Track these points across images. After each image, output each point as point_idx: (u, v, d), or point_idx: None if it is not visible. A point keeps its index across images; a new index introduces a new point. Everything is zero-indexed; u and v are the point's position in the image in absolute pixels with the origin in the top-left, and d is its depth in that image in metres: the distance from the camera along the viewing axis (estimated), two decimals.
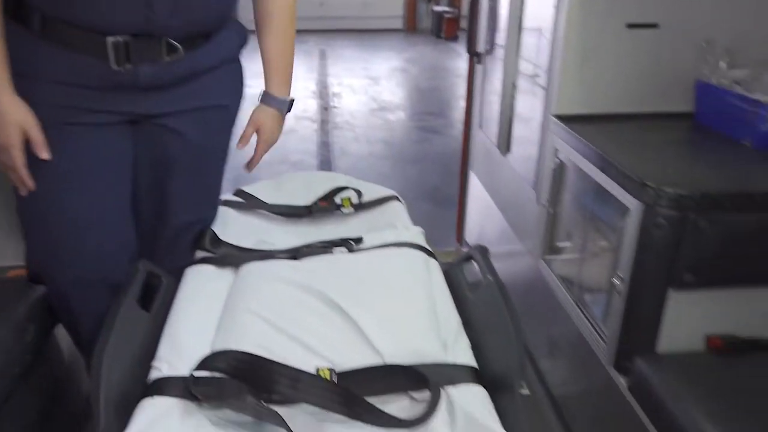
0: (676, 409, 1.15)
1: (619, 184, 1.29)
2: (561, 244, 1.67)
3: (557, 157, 1.61)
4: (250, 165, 1.48)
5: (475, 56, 2.34)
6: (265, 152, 1.47)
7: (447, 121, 6.08)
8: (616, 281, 1.30)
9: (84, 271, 1.29)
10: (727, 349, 1.25)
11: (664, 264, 1.20)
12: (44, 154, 1.18)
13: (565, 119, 1.59)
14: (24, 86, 1.16)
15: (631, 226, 1.23)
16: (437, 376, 1.01)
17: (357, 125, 5.74)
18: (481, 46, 2.26)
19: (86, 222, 1.27)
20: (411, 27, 11.18)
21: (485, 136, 2.26)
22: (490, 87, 2.20)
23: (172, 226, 1.40)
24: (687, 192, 1.16)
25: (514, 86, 1.96)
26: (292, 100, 1.49)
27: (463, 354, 1.09)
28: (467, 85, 2.48)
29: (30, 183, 1.20)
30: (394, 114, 6.22)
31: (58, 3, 1.12)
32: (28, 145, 1.18)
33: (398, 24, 11.23)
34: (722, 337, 1.26)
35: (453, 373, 1.03)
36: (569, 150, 1.54)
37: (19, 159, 1.17)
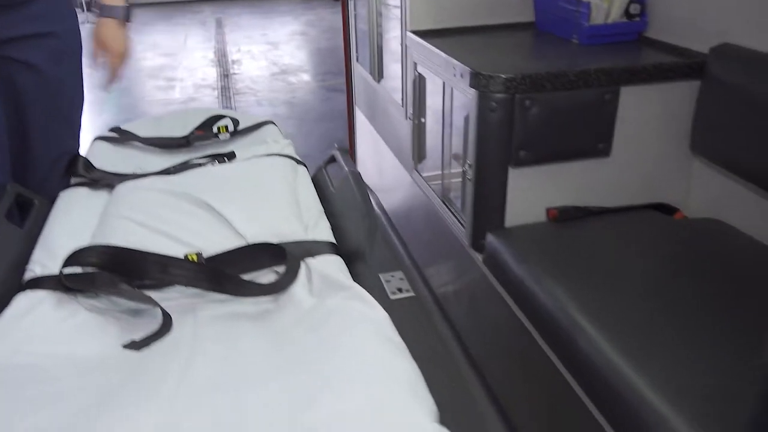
0: (521, 270, 1.30)
1: (462, 79, 1.42)
2: (429, 154, 1.81)
3: (416, 71, 1.73)
4: (108, 83, 1.54)
5: None
6: (120, 65, 1.52)
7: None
8: (467, 169, 1.44)
9: None
10: (564, 218, 1.42)
11: (501, 144, 1.35)
12: None
13: (419, 34, 1.71)
14: None
15: (471, 114, 1.37)
16: (297, 251, 1.11)
17: (259, 90, 5.71)
18: None
19: None
20: None
21: (362, 68, 2.36)
22: (362, 23, 2.30)
23: (37, 160, 1.43)
24: (513, 75, 1.30)
25: (379, 14, 2.06)
26: (128, 6, 1.53)
27: (322, 233, 1.20)
28: (342, 24, 2.57)
29: None
30: (296, 76, 6.22)
31: None
32: None
33: None
34: (558, 208, 1.43)
35: (312, 247, 1.14)
36: (424, 61, 1.66)
37: None
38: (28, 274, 1.07)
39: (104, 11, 1.48)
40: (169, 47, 7.33)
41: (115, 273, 1.04)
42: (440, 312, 1.84)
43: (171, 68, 6.40)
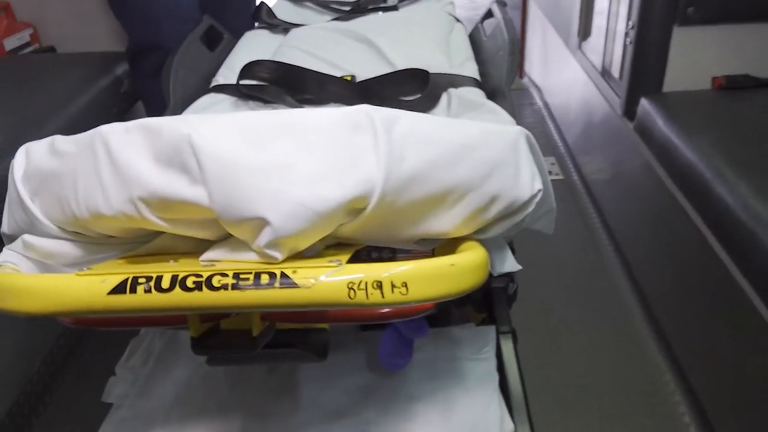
0: (677, 138, 1.24)
1: None
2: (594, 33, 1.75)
3: None
4: None
5: None
6: None
7: None
8: (629, 30, 1.38)
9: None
10: (731, 86, 1.32)
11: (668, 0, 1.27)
12: None
13: None
14: None
15: None
16: (441, 81, 1.17)
17: None
18: None
19: None
20: None
21: None
22: None
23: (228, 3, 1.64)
24: None
25: None
26: None
27: (468, 71, 1.24)
28: None
29: None
30: None
31: None
32: None
33: None
34: (726, 76, 1.33)
35: (455, 79, 1.19)
36: None
37: None
38: (213, 83, 1.25)
39: None
40: None
41: (281, 87, 1.19)
42: (588, 197, 1.82)
43: None
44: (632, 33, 1.36)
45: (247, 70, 1.21)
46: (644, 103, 1.35)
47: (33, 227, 0.58)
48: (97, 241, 0.58)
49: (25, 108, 1.38)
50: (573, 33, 1.87)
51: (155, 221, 0.53)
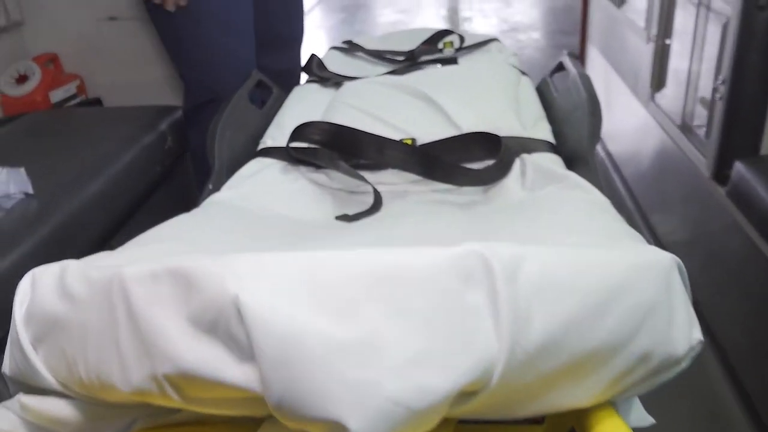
0: None
1: None
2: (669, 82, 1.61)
3: None
4: None
5: None
6: None
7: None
8: (718, 86, 1.24)
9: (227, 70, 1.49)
10: None
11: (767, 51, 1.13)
12: None
13: None
14: None
15: (733, 16, 1.17)
16: (513, 145, 1.05)
17: None
18: None
19: (244, 35, 1.49)
20: None
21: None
22: None
23: (278, 54, 1.57)
24: None
25: None
26: None
27: (542, 133, 1.12)
28: None
29: None
30: (526, 34, 6.03)
31: None
32: None
33: None
34: None
35: (528, 144, 1.06)
36: None
37: None
38: (261, 145, 1.16)
39: None
40: (405, 5, 7.55)
41: (334, 150, 1.08)
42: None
43: (404, 24, 6.59)
44: (723, 89, 1.22)
45: (298, 133, 1.11)
46: (740, 167, 1.19)
47: (34, 378, 0.46)
48: (109, 407, 0.46)
49: (66, 166, 1.32)
50: (643, 82, 1.73)
51: (182, 402, 0.41)
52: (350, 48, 1.73)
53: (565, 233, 0.62)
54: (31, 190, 1.15)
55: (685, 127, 1.47)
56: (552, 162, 1.01)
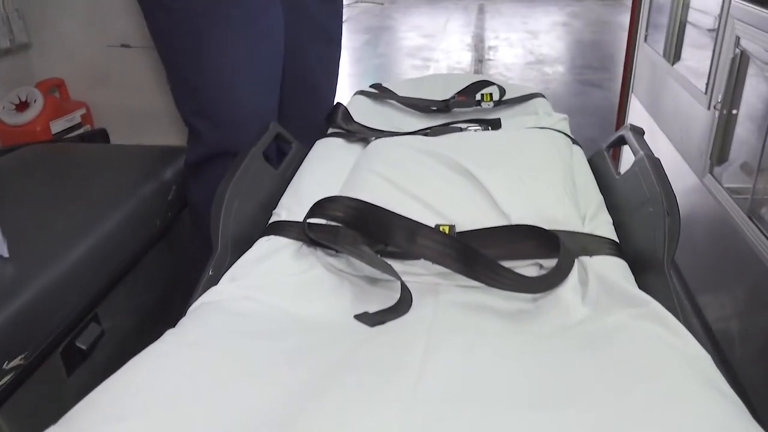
0: None
1: None
2: (734, 155, 1.44)
3: (737, 47, 1.37)
4: None
5: None
6: None
7: (609, 75, 5.68)
8: None
9: (238, 120, 1.32)
10: None
11: None
12: None
13: (751, 1, 1.34)
14: None
15: None
16: (571, 244, 0.88)
17: (511, 77, 5.52)
18: None
19: (264, 83, 1.32)
20: None
21: (651, 48, 2.01)
22: None
23: (303, 102, 1.41)
24: None
25: None
26: None
27: (602, 228, 0.95)
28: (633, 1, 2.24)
29: None
30: (552, 67, 5.90)
31: None
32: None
33: None
34: None
35: (589, 243, 0.90)
36: (756, 34, 1.29)
37: None
38: (274, 217, 1.01)
39: None
40: (430, 29, 7.47)
41: (358, 231, 0.92)
42: (713, 347, 1.47)
43: (429, 49, 6.49)
44: None
45: (317, 208, 0.95)
46: None
47: None
48: None
49: (53, 219, 1.17)
50: (700, 151, 1.57)
51: None
52: (379, 93, 1.58)
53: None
54: (5, 253, 1.00)
55: (755, 215, 1.30)
56: (618, 270, 0.84)
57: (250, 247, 0.93)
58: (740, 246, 1.31)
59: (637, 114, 2.24)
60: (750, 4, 1.32)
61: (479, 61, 6.10)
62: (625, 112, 2.33)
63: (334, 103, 1.47)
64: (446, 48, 6.60)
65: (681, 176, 1.70)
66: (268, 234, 0.95)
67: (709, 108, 1.52)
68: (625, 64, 2.32)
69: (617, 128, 2.46)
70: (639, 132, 1.09)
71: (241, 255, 0.91)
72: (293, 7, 1.35)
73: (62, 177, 1.33)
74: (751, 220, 1.29)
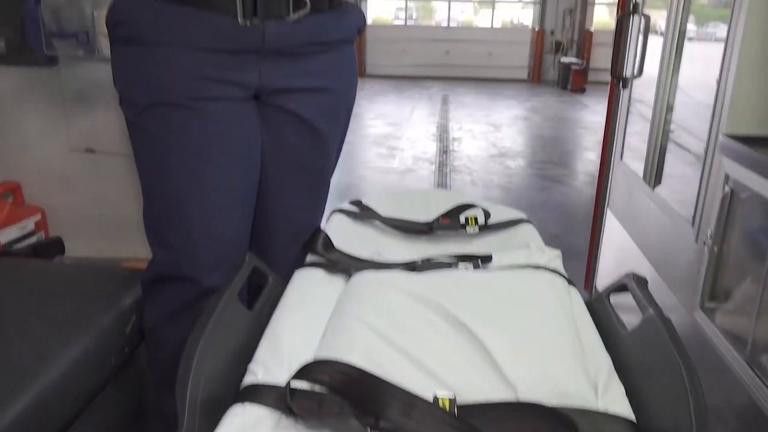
0: None
1: None
2: (726, 292, 1.40)
3: (727, 185, 1.36)
4: None
5: (619, 81, 2.13)
6: None
7: (569, 171, 5.85)
8: None
9: (203, 256, 1.21)
10: None
11: None
12: None
13: (739, 140, 1.34)
14: (152, 57, 1.10)
15: None
16: (586, 426, 0.79)
17: (475, 170, 5.62)
18: (628, 70, 2.05)
19: (218, 206, 1.21)
20: (536, 78, 11.01)
21: (628, 168, 2.02)
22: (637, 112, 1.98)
23: (281, 225, 1.31)
24: None
25: (669, 109, 1.73)
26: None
27: (617, 402, 0.87)
28: (607, 112, 2.26)
29: None
30: (514, 161, 6.04)
31: None
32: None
33: (523, 75, 11.11)
34: None
35: (605, 425, 0.81)
36: (747, 175, 1.28)
37: None
38: (249, 378, 0.89)
39: None
40: (395, 117, 7.61)
41: (346, 399, 0.81)
42: None
43: (395, 138, 6.57)
44: None
45: (302, 373, 0.85)
46: None
47: None
48: None
49: None
50: (688, 284, 1.53)
51: None
52: (360, 212, 1.51)
53: None
54: None
55: (755, 362, 1.24)
56: None
57: (221, 409, 0.81)
58: (741, 398, 1.25)
59: (611, 228, 2.22)
60: (739, 143, 1.32)
61: (444, 152, 6.20)
62: (599, 226, 2.31)
63: (317, 220, 1.39)
64: (412, 137, 6.70)
65: (668, 306, 1.65)
66: (243, 400, 0.83)
67: (696, 241, 1.49)
68: (599, 175, 2.33)
69: (591, 240, 2.44)
70: (643, 283, 1.02)
71: (211, 419, 0.79)
72: (273, 134, 1.27)
73: (3, 304, 1.19)
74: (752, 369, 1.23)
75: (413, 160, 5.76)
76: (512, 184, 5.29)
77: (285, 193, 1.33)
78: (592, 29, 10.94)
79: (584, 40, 10.69)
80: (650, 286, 1.80)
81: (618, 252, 2.12)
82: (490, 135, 7.02)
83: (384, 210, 1.53)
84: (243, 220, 1.26)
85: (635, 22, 2.00)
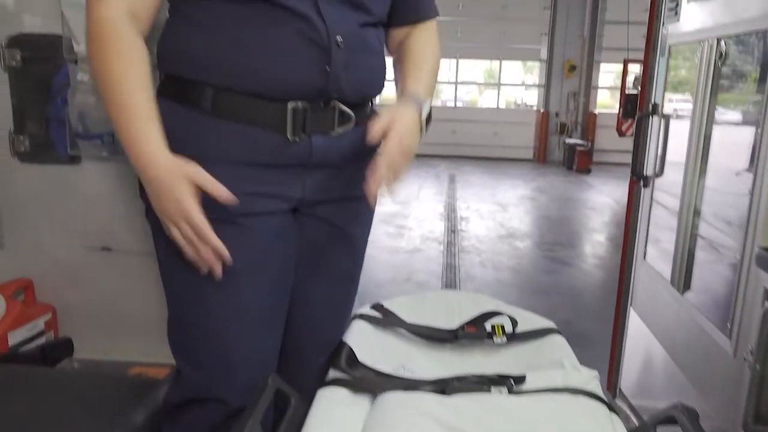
0: None
1: None
2: None
3: (767, 301, 1.31)
4: (372, 183, 1.09)
5: (640, 180, 2.12)
6: (397, 154, 1.09)
7: (576, 252, 5.82)
8: None
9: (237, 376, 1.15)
10: None
11: None
12: (224, 195, 1.01)
13: None
14: None
15: None
16: None
17: (484, 250, 5.58)
18: (649, 169, 2.04)
19: (257, 325, 1.16)
20: (541, 158, 11.16)
21: (652, 268, 1.97)
22: (662, 209, 1.95)
23: (312, 337, 1.26)
24: None
25: (696, 212, 1.70)
26: (430, 114, 1.20)
27: None
28: (627, 211, 2.24)
29: (224, 251, 1.03)
30: (522, 242, 6.01)
31: (236, 71, 1.04)
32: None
33: (528, 154, 11.27)
34: None
35: None
36: None
37: (203, 223, 1.00)
38: None
39: (406, 97, 1.18)
40: (403, 196, 7.63)
41: None
42: None
43: (402, 216, 6.58)
44: None
45: None
46: None
47: None
48: None
49: None
50: (728, 400, 1.45)
51: None
52: (382, 317, 1.46)
53: None
54: None
55: None
56: None
57: None
58: None
59: (636, 328, 2.15)
60: None
61: (452, 231, 6.18)
62: (622, 327, 2.24)
63: (342, 330, 1.33)
64: (419, 216, 6.71)
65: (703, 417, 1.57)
66: None
67: (735, 356, 1.43)
68: (620, 272, 2.28)
69: (614, 341, 2.36)
70: (694, 416, 0.96)
71: None
72: (309, 244, 1.24)
73: (5, 419, 1.12)
74: None
75: (421, 240, 5.73)
76: (521, 266, 5.24)
77: (316, 303, 1.28)
78: (596, 111, 11.17)
79: (588, 122, 10.89)
80: (680, 395, 1.72)
81: (645, 354, 2.04)
82: (498, 215, 7.03)
83: (406, 314, 1.48)
84: (277, 336, 1.21)
85: (655, 123, 2.01)
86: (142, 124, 1.00)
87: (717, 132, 1.66)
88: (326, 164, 1.15)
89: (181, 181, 0.99)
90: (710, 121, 1.66)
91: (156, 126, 1.00)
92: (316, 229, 1.23)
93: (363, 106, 1.18)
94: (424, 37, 1.26)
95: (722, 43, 1.61)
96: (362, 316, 1.45)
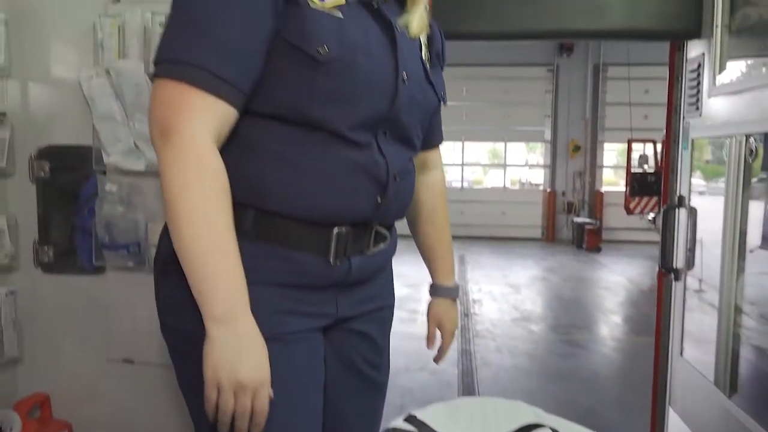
0: None
1: None
2: None
3: None
4: (438, 358, 1.43)
5: (671, 272, 2.07)
6: (450, 342, 1.43)
7: (593, 335, 5.69)
8: None
9: None
10: None
11: None
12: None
13: None
14: None
15: None
16: None
17: (498, 334, 5.46)
18: (680, 261, 1.99)
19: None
20: (550, 237, 11.14)
21: (692, 367, 1.89)
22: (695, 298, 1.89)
23: None
24: None
25: (738, 310, 1.64)
26: (458, 286, 1.45)
27: None
28: (658, 305, 2.18)
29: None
30: (537, 325, 5.89)
31: (290, 197, 1.01)
32: None
33: (537, 233, 11.26)
34: None
35: None
36: None
37: (266, 404, 0.96)
38: None
39: (441, 292, 1.42)
40: (413, 279, 7.55)
41: None
42: None
43: (413, 300, 6.48)
44: None
45: None
46: None
47: None
48: None
49: None
50: None
51: None
52: (416, 430, 1.38)
53: None
54: None
55: None
56: None
57: None
58: None
59: (675, 428, 2.05)
60: None
61: (465, 315, 6.08)
62: (662, 428, 2.13)
63: None
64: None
65: None
66: None
67: None
68: (654, 376, 2.19)
69: None
70: None
71: None
72: (340, 357, 1.20)
73: None
74: None
75: None
76: (538, 351, 5.10)
77: (347, 416, 1.23)
78: (603, 190, 11.25)
79: (596, 201, 10.95)
80: None
81: None
82: (510, 297, 6.93)
83: (439, 425, 1.41)
84: None
85: (682, 215, 1.98)
86: (239, 270, 0.95)
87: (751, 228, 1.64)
88: (359, 282, 1.14)
89: (264, 346, 0.96)
90: (745, 217, 1.63)
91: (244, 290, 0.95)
92: (348, 342, 1.20)
93: (391, 227, 1.19)
94: (433, 177, 1.39)
95: (752, 140, 1.60)
96: (395, 430, 1.38)
